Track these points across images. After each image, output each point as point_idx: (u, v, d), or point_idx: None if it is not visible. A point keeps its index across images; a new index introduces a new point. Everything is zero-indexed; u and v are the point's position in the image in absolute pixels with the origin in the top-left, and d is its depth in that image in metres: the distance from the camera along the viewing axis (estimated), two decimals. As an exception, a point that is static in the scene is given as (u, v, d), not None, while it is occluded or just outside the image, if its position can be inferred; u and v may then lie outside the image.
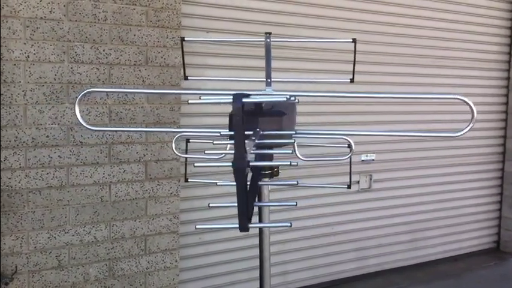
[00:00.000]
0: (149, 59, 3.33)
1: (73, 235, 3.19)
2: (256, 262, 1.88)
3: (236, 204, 1.40)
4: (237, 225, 1.36)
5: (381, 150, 4.69)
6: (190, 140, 2.06)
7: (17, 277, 3.05)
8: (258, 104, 1.60)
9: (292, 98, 1.48)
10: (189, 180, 2.00)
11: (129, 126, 3.29)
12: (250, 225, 1.38)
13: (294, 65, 4.11)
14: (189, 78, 2.11)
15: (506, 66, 5.46)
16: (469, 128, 1.44)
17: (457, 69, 5.10)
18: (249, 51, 3.90)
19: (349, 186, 1.96)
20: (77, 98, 1.54)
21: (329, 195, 4.44)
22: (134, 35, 3.27)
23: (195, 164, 1.50)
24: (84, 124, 1.51)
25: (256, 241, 1.86)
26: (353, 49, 1.93)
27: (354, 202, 4.63)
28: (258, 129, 1.60)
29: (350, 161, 1.98)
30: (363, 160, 4.62)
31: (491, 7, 5.25)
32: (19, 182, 3.01)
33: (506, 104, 5.51)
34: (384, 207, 4.81)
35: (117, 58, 3.23)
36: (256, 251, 1.87)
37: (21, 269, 3.06)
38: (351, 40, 1.90)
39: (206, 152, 1.73)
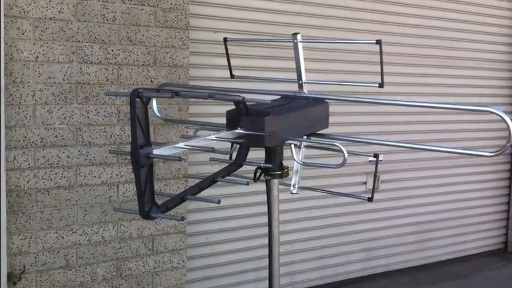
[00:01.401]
0: (157, 59, 3.33)
1: (81, 235, 3.20)
2: (264, 262, 1.88)
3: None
4: (137, 212, 1.47)
5: (388, 151, 4.67)
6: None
7: (25, 276, 3.06)
8: (240, 103, 1.62)
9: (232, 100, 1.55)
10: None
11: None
12: (154, 215, 1.48)
13: (310, 66, 4.08)
14: (235, 76, 2.14)
15: (514, 66, 5.44)
16: (505, 147, 1.34)
17: (464, 70, 5.08)
18: (255, 51, 3.90)
19: (370, 199, 1.93)
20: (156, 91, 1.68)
21: (336, 195, 4.42)
22: (143, 36, 3.28)
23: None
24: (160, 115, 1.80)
25: (264, 241, 1.86)
26: (371, 50, 1.87)
27: (361, 203, 4.61)
28: (238, 128, 1.63)
29: (375, 172, 1.95)
30: (370, 161, 4.60)
31: (499, 7, 5.23)
32: (28, 182, 3.02)
33: (514, 104, 5.49)
34: (391, 207, 4.80)
35: (126, 58, 3.23)
36: (264, 251, 1.87)
37: (29, 269, 3.07)
38: (375, 41, 1.83)
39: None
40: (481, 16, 5.10)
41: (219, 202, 1.52)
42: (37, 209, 3.06)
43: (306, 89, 1.95)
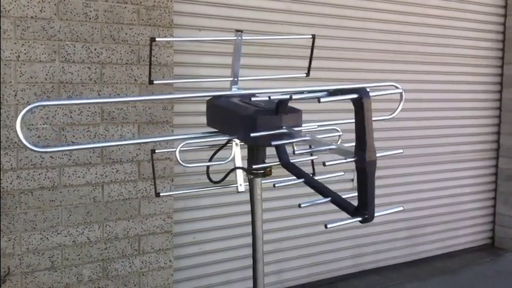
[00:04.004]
0: (141, 57, 3.30)
1: (66, 236, 3.16)
2: (251, 261, 1.86)
3: (324, 200, 1.59)
4: (360, 218, 1.45)
5: (376, 148, 4.67)
6: (185, 147, 2.00)
7: (10, 278, 3.02)
8: (282, 102, 1.56)
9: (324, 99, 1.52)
10: (160, 194, 1.94)
11: (122, 126, 3.26)
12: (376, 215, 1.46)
13: (259, 62, 4.00)
14: (154, 82, 2.01)
15: (499, 62, 5.45)
16: (398, 110, 1.61)
17: (449, 66, 5.09)
18: (243, 49, 3.87)
19: (312, 174, 2.00)
20: (20, 113, 1.26)
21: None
22: (126, 34, 3.24)
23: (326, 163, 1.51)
24: (29, 145, 1.29)
25: (250, 240, 1.84)
26: (311, 45, 1.96)
27: (349, 199, 4.60)
28: (283, 127, 1.57)
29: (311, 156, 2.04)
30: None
31: (484, 3, 5.24)
32: (11, 183, 2.98)
33: (500, 100, 5.50)
34: (379, 204, 4.77)
35: (109, 57, 3.20)
36: (251, 250, 1.85)
37: (14, 271, 3.03)
38: (310, 36, 1.95)
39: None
40: (463, 12, 5.11)
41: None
42: (21, 211, 3.02)
43: (239, 85, 1.94)
